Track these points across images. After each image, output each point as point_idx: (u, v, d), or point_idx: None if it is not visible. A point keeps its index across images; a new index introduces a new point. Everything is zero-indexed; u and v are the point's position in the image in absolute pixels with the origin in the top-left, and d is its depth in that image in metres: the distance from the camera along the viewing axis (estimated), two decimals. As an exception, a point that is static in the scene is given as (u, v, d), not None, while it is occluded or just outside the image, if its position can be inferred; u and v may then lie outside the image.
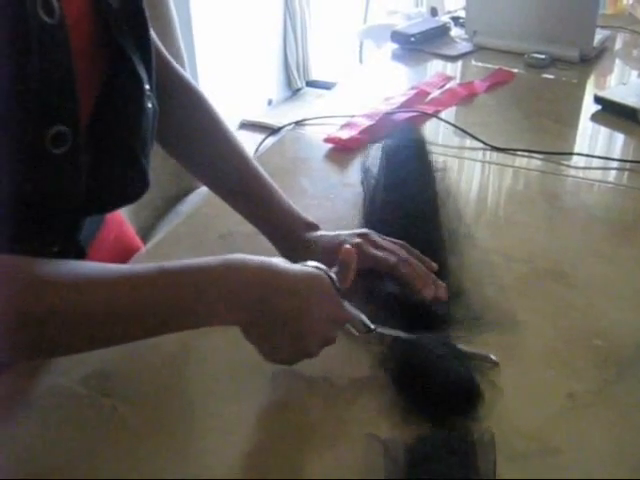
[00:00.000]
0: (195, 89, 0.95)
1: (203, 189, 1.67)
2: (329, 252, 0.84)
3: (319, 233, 0.91)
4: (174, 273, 0.65)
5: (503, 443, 0.66)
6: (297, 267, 0.71)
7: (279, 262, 0.70)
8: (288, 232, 0.91)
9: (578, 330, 0.84)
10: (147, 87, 0.77)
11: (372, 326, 0.77)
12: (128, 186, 0.80)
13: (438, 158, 1.25)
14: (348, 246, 0.79)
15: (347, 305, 0.75)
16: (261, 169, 0.94)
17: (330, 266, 0.77)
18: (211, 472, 0.65)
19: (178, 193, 1.65)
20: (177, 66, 0.94)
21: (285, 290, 0.68)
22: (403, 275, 0.83)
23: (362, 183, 1.08)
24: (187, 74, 0.96)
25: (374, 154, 1.15)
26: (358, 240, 0.86)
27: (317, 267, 0.74)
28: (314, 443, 0.69)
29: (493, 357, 0.78)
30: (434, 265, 0.87)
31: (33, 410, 0.72)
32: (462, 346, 0.78)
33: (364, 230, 0.89)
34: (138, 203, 1.48)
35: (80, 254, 0.82)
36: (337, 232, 0.90)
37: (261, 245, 0.93)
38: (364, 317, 0.77)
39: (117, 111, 0.75)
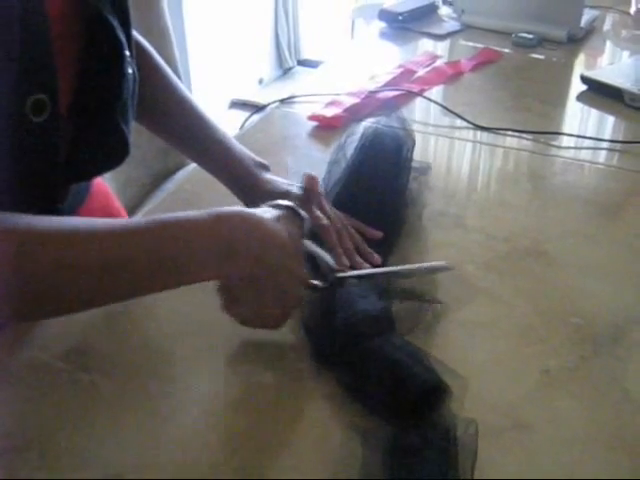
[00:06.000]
0: (146, 50, 0.95)
1: (190, 166, 1.67)
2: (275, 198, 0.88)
3: (270, 175, 0.94)
4: (165, 226, 0.65)
5: (477, 419, 0.66)
6: (279, 222, 0.73)
7: (262, 214, 0.71)
8: (242, 172, 0.93)
9: (556, 308, 0.84)
10: (127, 53, 0.77)
11: (335, 266, 0.79)
12: (108, 152, 0.81)
13: (421, 136, 1.26)
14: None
15: (312, 246, 0.79)
16: (207, 115, 0.96)
17: None
18: (189, 447, 0.66)
19: (165, 171, 1.64)
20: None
21: (277, 245, 0.70)
22: (327, 240, 0.85)
23: (331, 160, 1.08)
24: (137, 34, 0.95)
25: (352, 136, 1.14)
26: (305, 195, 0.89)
27: (288, 206, 0.76)
28: (293, 427, 0.69)
29: (444, 263, 0.84)
30: (375, 233, 0.92)
31: (11, 384, 0.72)
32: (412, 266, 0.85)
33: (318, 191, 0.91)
34: (125, 180, 1.49)
35: None
36: (288, 182, 0.93)
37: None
38: (329, 258, 0.80)
39: (98, 77, 0.74)
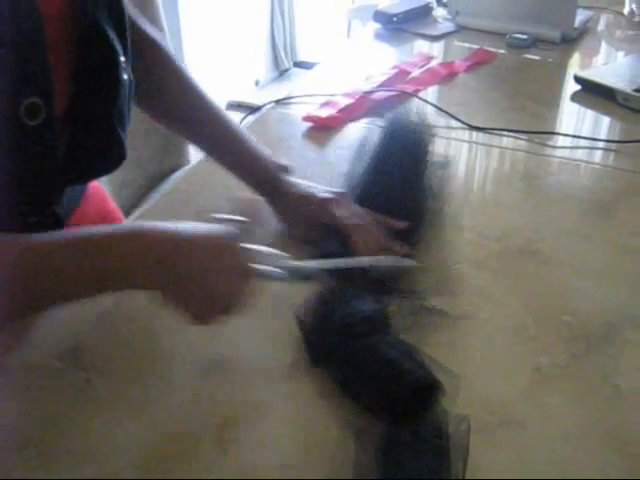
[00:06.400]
0: (159, 44, 0.95)
1: (186, 167, 1.68)
2: (302, 201, 0.91)
3: (294, 179, 0.96)
4: (82, 240, 0.67)
5: (469, 416, 0.66)
6: (194, 227, 0.71)
7: (177, 225, 0.70)
8: (264, 173, 0.95)
9: (548, 307, 0.85)
10: (122, 59, 0.77)
11: (279, 272, 0.75)
12: (105, 157, 0.81)
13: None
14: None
15: (263, 250, 0.76)
16: (227, 115, 0.97)
17: (304, 216, 0.87)
18: (184, 445, 0.66)
19: (161, 172, 1.65)
20: (142, 23, 0.93)
21: (184, 251, 0.68)
22: (351, 239, 0.86)
23: (355, 156, 1.06)
24: (151, 29, 0.95)
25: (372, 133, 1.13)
26: (328, 195, 0.90)
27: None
28: (286, 425, 0.70)
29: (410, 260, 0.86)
30: (400, 224, 0.92)
31: (8, 383, 0.73)
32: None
33: (340, 190, 0.93)
34: (120, 182, 1.50)
35: (59, 226, 0.83)
36: (312, 184, 0.94)
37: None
38: (271, 268, 0.75)
39: (93, 83, 0.75)
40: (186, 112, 0.96)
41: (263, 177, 0.95)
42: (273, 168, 0.95)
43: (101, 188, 1.08)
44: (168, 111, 0.97)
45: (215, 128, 0.96)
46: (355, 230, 0.87)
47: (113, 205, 1.12)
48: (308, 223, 0.91)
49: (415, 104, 1.39)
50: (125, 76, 0.79)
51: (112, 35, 0.75)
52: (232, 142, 0.96)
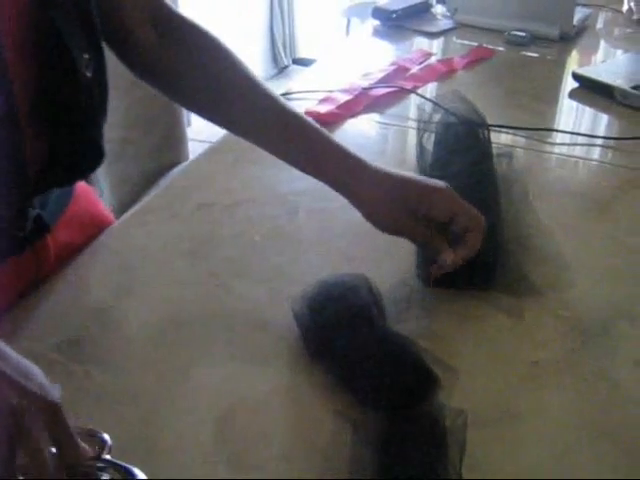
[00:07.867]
0: (210, 35, 0.93)
1: (185, 163, 1.68)
2: (420, 194, 0.79)
3: (387, 170, 0.82)
4: None
5: (466, 409, 0.66)
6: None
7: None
8: (356, 164, 0.83)
9: (545, 301, 0.85)
10: (85, 56, 0.74)
11: None
12: (80, 158, 0.80)
13: (414, 133, 1.26)
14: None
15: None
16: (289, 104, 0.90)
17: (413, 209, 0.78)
18: (182, 437, 0.67)
19: (159, 168, 1.65)
20: (183, 14, 0.91)
21: None
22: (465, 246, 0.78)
23: (417, 159, 1.03)
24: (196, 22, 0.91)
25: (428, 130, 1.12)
26: (443, 185, 0.80)
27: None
28: (282, 417, 0.70)
29: None
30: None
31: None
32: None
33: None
34: (119, 178, 1.50)
35: (44, 229, 0.84)
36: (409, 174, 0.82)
37: (238, 215, 0.94)
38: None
39: (53, 80, 0.73)
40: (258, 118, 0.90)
41: (359, 169, 0.82)
42: (358, 156, 0.83)
43: (90, 190, 1.06)
44: (235, 120, 0.92)
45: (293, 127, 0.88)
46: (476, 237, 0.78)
47: (102, 206, 1.09)
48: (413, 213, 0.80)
49: (411, 101, 1.39)
50: (88, 74, 0.75)
51: (73, 32, 0.72)
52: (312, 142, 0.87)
